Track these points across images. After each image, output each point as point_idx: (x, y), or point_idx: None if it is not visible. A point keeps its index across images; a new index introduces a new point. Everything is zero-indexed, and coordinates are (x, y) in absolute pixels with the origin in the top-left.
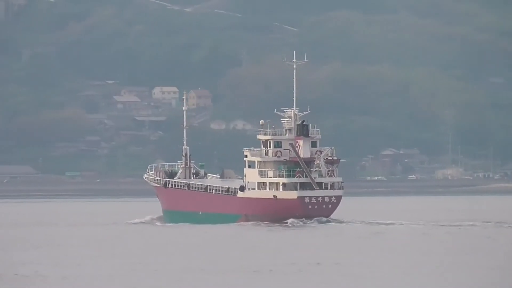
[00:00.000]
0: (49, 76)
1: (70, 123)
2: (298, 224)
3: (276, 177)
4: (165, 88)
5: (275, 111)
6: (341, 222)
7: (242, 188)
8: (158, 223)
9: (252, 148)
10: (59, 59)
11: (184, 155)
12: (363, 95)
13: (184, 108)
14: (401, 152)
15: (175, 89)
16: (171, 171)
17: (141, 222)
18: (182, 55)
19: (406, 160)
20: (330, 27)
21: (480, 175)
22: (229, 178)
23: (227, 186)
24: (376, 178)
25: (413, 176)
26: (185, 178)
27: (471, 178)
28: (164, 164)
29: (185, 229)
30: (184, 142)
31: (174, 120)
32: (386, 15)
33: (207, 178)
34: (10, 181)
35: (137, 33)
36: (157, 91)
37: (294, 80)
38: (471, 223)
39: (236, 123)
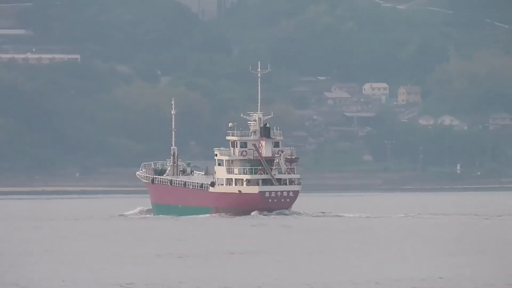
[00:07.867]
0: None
1: (277, 119)
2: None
3: (241, 174)
4: (375, 84)
5: (241, 115)
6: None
7: (212, 184)
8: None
9: (221, 148)
10: (269, 55)
11: (172, 154)
12: None
13: (172, 112)
14: None
15: (385, 85)
16: (161, 168)
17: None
18: (392, 52)
19: None
20: None
21: None
22: (212, 175)
23: (201, 182)
24: None
25: None
26: (173, 175)
27: None
28: (156, 162)
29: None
30: (173, 143)
31: (383, 116)
32: None
33: (193, 175)
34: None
35: (349, 29)
36: (367, 87)
37: (259, 86)
38: None
39: (444, 119)
